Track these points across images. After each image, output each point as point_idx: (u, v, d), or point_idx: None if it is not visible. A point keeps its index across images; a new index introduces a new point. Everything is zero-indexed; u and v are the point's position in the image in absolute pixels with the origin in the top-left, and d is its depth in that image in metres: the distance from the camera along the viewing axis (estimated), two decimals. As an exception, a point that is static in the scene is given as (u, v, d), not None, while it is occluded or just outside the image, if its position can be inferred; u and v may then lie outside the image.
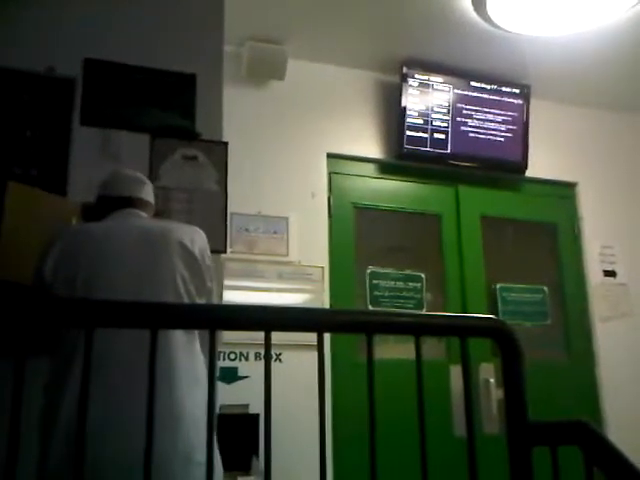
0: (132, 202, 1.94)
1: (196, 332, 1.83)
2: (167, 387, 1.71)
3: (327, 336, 3.28)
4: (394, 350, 3.37)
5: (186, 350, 1.79)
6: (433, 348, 3.59)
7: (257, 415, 2.87)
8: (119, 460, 1.58)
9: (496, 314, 3.65)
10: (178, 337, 1.76)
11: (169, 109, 2.51)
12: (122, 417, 1.60)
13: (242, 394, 2.95)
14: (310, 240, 3.47)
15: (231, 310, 1.27)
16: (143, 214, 1.95)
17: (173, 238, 1.84)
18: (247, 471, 2.68)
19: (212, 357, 1.14)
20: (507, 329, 1.30)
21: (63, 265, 1.75)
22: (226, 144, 2.55)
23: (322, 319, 1.22)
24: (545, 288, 3.90)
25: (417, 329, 1.27)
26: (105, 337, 1.66)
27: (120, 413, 1.61)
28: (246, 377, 3.10)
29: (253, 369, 3.06)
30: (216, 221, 2.42)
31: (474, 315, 1.63)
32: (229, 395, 2.92)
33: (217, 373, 3.03)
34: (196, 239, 1.89)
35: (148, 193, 2.02)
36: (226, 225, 2.49)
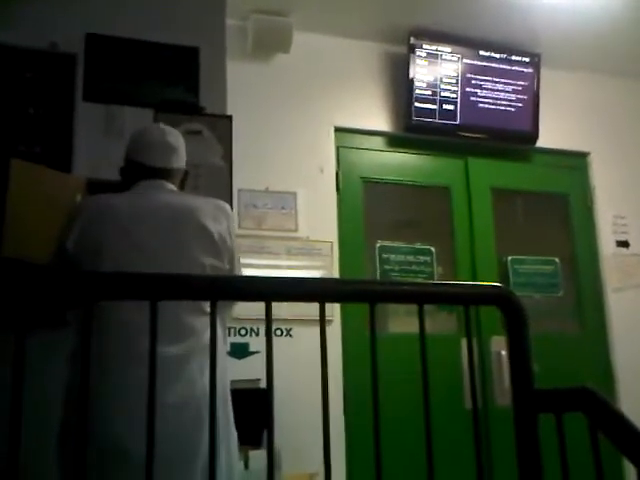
0: (161, 173, 1.90)
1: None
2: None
3: (337, 309, 3.31)
4: (406, 324, 3.37)
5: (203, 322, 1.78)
6: (445, 322, 3.58)
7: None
8: (127, 436, 1.59)
9: (507, 286, 3.62)
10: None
11: (172, 83, 2.49)
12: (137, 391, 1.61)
13: (253, 369, 2.95)
14: (319, 215, 3.45)
15: (231, 281, 1.26)
16: (170, 186, 1.91)
17: (195, 218, 1.82)
18: (258, 445, 2.69)
19: (213, 327, 1.14)
20: (512, 296, 1.28)
21: (86, 240, 1.76)
22: (230, 117, 2.53)
23: (324, 289, 1.21)
24: (557, 259, 3.86)
25: (420, 298, 1.25)
26: (125, 307, 1.67)
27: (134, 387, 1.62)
28: (257, 352, 3.12)
29: (264, 344, 3.06)
30: (222, 196, 2.39)
31: (478, 283, 1.61)
32: (240, 370, 2.92)
33: (228, 348, 3.06)
34: (220, 219, 1.87)
35: (178, 158, 1.96)
36: (232, 200, 2.48)
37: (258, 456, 2.62)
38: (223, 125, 2.50)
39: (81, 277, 1.17)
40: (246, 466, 2.51)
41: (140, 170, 1.90)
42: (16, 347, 1.05)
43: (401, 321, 3.48)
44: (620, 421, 1.01)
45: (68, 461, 1.64)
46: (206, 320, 1.78)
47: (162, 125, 2.00)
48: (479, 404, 1.20)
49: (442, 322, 3.57)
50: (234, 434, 1.89)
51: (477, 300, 1.30)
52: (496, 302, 1.29)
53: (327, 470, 1.18)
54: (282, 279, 1.29)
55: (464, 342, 3.46)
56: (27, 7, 2.41)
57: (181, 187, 1.99)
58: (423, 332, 1.26)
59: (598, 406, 1.06)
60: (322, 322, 1.21)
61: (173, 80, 2.50)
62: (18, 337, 1.05)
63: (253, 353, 3.14)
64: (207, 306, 1.78)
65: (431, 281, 3.46)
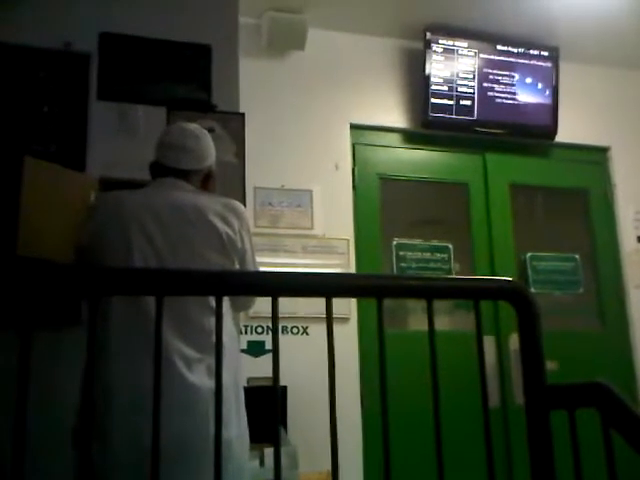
0: (176, 173, 1.93)
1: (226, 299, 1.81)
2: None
3: (353, 307, 3.29)
4: (427, 322, 3.35)
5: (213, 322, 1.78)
6: (465, 320, 3.54)
7: (285, 387, 2.89)
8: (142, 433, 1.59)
9: (526, 283, 3.58)
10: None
11: (185, 81, 2.49)
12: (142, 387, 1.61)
13: (270, 367, 2.95)
14: (335, 213, 3.44)
15: (237, 275, 1.25)
16: (185, 185, 1.92)
17: (203, 216, 1.83)
18: (275, 442, 2.68)
19: (218, 323, 1.13)
20: (523, 290, 1.26)
21: (99, 235, 1.79)
22: (243, 115, 2.52)
23: (330, 284, 1.19)
24: (577, 256, 3.80)
25: (429, 292, 1.24)
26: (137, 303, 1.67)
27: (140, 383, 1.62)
28: (274, 350, 3.11)
29: (281, 342, 3.05)
30: (235, 194, 2.39)
31: (489, 277, 1.58)
32: (257, 368, 2.92)
33: (244, 346, 3.04)
34: (230, 220, 1.87)
35: (197, 160, 1.97)
36: (245, 198, 2.47)
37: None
38: (236, 122, 2.50)
39: (87, 272, 1.17)
40: (262, 463, 2.50)
41: (159, 168, 1.95)
42: (22, 344, 1.05)
43: (418, 318, 3.45)
44: (632, 417, 0.98)
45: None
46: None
47: (187, 126, 2.02)
48: (494, 402, 1.19)
49: (462, 320, 3.54)
50: (246, 432, 1.88)
51: (488, 294, 1.27)
52: (507, 297, 1.27)
53: (334, 468, 1.17)
54: (288, 274, 1.27)
55: (484, 340, 3.43)
56: (41, 7, 2.43)
57: (204, 187, 2.00)
58: (432, 328, 1.25)
59: (611, 401, 1.03)
60: (329, 318, 1.20)
61: (186, 78, 2.51)
62: (24, 335, 1.05)
63: (270, 351, 3.13)
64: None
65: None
